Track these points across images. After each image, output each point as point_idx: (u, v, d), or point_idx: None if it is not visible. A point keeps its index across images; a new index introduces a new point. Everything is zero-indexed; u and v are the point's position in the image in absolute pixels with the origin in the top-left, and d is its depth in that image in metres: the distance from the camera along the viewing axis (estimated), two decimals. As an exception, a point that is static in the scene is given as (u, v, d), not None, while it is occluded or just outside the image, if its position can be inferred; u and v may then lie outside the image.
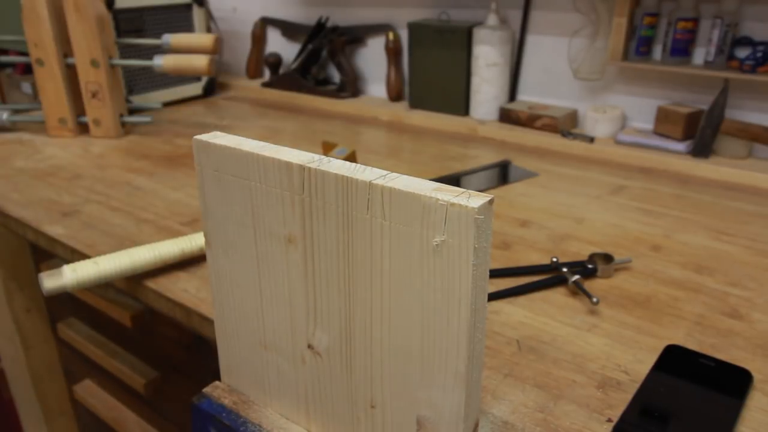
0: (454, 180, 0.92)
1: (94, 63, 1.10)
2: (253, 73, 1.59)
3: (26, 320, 1.11)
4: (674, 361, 0.50)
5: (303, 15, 1.49)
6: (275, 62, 1.52)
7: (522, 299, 0.60)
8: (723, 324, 0.56)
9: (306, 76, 1.43)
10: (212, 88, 1.49)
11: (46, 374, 1.17)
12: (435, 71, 1.25)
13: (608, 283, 0.63)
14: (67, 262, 0.73)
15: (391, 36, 1.33)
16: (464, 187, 0.32)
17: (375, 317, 0.36)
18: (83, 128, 1.17)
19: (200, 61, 1.10)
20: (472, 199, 0.30)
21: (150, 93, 1.35)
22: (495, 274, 0.64)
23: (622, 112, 1.10)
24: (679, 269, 0.66)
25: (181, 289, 0.63)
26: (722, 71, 0.95)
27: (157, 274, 0.66)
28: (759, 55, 0.93)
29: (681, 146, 1.00)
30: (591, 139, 1.07)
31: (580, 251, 0.69)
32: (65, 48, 1.10)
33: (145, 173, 0.97)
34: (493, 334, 0.55)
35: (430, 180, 0.33)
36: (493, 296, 0.60)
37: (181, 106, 1.39)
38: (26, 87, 1.78)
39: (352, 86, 1.40)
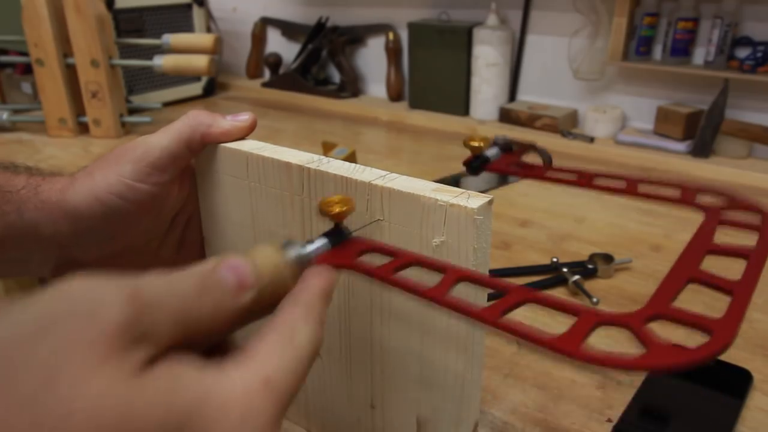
0: (454, 180, 0.92)
1: (94, 63, 1.10)
2: (253, 73, 1.59)
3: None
4: (674, 361, 0.50)
5: (303, 15, 1.49)
6: (275, 62, 1.52)
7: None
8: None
9: (306, 76, 1.43)
10: (212, 88, 1.49)
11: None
12: (435, 71, 1.25)
13: (608, 283, 0.63)
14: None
15: (391, 36, 1.33)
16: (464, 188, 0.32)
17: (375, 317, 0.36)
18: (83, 128, 1.17)
19: (200, 61, 1.10)
20: (471, 200, 0.30)
21: (150, 93, 1.35)
22: (495, 274, 0.64)
23: (622, 112, 1.10)
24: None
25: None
26: (722, 71, 0.95)
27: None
28: (759, 55, 0.93)
29: (681, 146, 1.00)
30: (591, 139, 1.07)
31: (580, 251, 0.69)
32: (65, 48, 1.10)
33: (145, 173, 0.97)
34: (493, 334, 0.55)
35: (430, 180, 0.33)
36: (493, 296, 0.60)
37: (181, 106, 1.39)
38: (26, 87, 1.78)
39: (352, 86, 1.40)
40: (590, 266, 0.64)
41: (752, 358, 0.51)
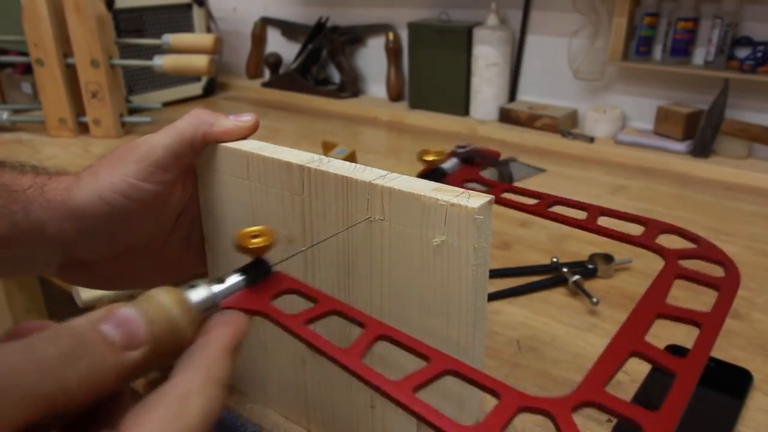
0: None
1: (94, 63, 1.10)
2: (253, 73, 1.59)
3: (26, 320, 1.11)
4: (674, 361, 0.50)
5: (303, 15, 1.49)
6: (275, 62, 1.52)
7: (522, 299, 0.60)
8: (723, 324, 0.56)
9: (306, 76, 1.43)
10: (212, 88, 1.49)
11: (46, 374, 1.17)
12: (435, 71, 1.25)
13: (608, 283, 0.63)
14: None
15: (391, 36, 1.33)
16: (464, 187, 0.32)
17: (375, 317, 0.36)
18: (83, 128, 1.17)
19: (200, 61, 1.10)
20: (472, 200, 0.30)
21: (150, 93, 1.35)
22: (495, 274, 0.64)
23: (622, 112, 1.10)
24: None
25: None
26: (722, 71, 0.95)
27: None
28: (759, 55, 0.93)
29: (681, 146, 1.00)
30: (591, 139, 1.07)
31: (580, 251, 0.69)
32: (65, 48, 1.10)
33: (145, 173, 0.97)
34: (493, 334, 0.55)
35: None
36: (493, 296, 0.60)
37: (181, 106, 1.39)
38: (26, 87, 1.77)
39: (352, 86, 1.40)
40: (590, 266, 0.64)
41: (752, 358, 0.51)
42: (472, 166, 0.43)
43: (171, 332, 0.24)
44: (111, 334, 0.22)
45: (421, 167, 0.42)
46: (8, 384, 0.19)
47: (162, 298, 0.24)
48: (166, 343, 0.24)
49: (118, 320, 0.23)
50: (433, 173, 0.41)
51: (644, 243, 0.33)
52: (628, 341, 0.25)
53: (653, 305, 0.26)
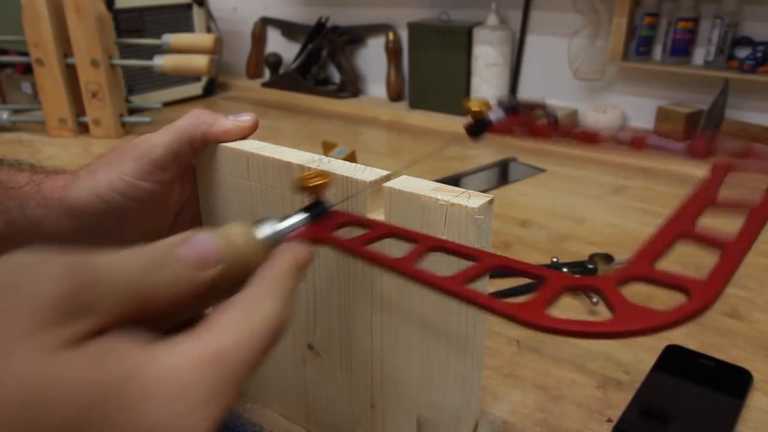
0: (454, 180, 0.92)
1: (94, 63, 1.10)
2: (253, 73, 1.59)
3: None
4: (674, 361, 0.50)
5: (303, 15, 1.49)
6: (275, 62, 1.52)
7: (522, 299, 0.60)
8: (723, 324, 0.56)
9: (306, 76, 1.43)
10: (212, 88, 1.49)
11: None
12: (435, 71, 1.25)
13: (608, 283, 0.63)
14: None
15: (391, 36, 1.33)
16: (464, 187, 0.32)
17: (375, 317, 0.36)
18: (83, 128, 1.17)
19: (200, 61, 1.10)
20: (471, 199, 0.30)
21: (150, 93, 1.35)
22: (495, 274, 0.64)
23: (622, 112, 1.10)
24: (678, 269, 0.66)
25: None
26: (722, 71, 0.95)
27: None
28: (759, 55, 0.93)
29: (681, 146, 1.00)
30: (591, 139, 1.07)
31: (580, 251, 0.69)
32: (65, 48, 1.10)
33: (145, 173, 0.97)
34: (493, 334, 0.55)
35: (430, 180, 0.33)
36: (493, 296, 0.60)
37: (181, 106, 1.39)
38: (26, 87, 1.78)
39: (352, 86, 1.40)
40: (590, 266, 0.64)
41: (752, 358, 0.51)
42: (518, 114, 0.42)
43: (244, 258, 0.26)
44: (186, 254, 0.25)
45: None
46: (108, 281, 0.22)
47: (237, 228, 0.27)
48: (236, 269, 0.26)
49: (194, 243, 0.25)
50: (478, 123, 0.41)
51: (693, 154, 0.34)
52: (675, 227, 0.26)
53: (700, 199, 0.27)
